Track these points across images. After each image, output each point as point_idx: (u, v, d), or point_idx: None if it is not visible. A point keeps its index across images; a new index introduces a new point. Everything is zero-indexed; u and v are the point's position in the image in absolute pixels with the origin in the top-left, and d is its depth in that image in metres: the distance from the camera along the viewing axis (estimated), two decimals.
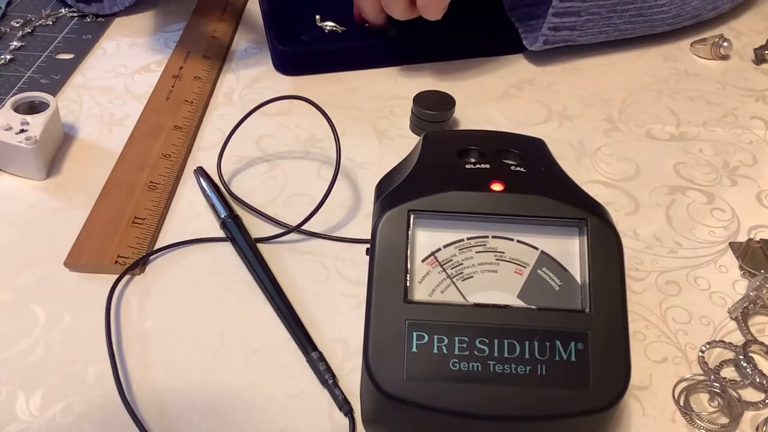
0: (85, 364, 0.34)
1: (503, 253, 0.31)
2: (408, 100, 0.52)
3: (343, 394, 0.33)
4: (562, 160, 0.48)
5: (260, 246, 0.40)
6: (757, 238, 0.42)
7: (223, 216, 0.41)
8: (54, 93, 0.51)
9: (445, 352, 0.29)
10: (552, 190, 0.32)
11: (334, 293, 0.38)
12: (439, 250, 0.31)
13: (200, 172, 0.44)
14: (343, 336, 0.36)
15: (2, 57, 0.54)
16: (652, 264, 0.41)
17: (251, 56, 0.57)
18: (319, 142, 0.48)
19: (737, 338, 0.37)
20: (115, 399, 0.33)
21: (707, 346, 0.36)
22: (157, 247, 0.40)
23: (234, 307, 0.37)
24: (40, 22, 0.59)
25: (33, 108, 0.45)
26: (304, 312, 0.37)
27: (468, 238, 0.31)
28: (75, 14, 0.60)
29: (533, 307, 0.30)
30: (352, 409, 0.33)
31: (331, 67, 0.55)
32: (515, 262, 0.31)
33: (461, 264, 0.30)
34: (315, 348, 0.35)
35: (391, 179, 0.35)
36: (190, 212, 0.43)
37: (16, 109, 0.45)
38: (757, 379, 0.34)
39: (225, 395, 0.33)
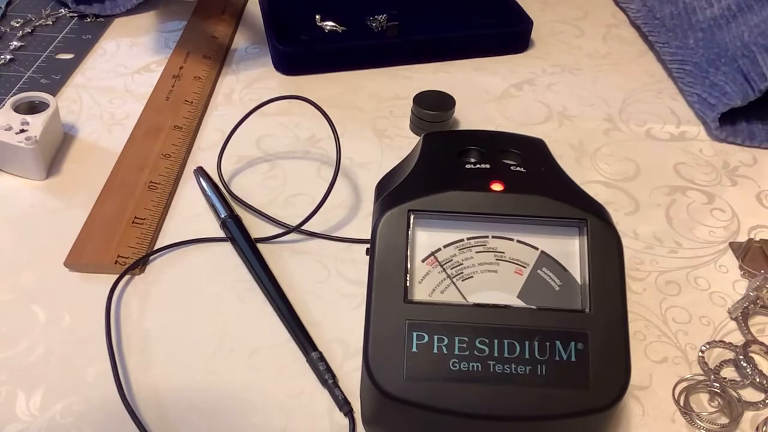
0: (85, 364, 0.34)
1: (503, 253, 0.31)
2: (408, 100, 0.52)
3: (343, 394, 0.33)
4: (562, 160, 0.48)
5: (260, 246, 0.40)
6: (757, 238, 0.42)
7: (223, 216, 0.41)
8: (54, 93, 0.51)
9: (445, 352, 0.29)
10: (552, 190, 0.32)
11: (334, 293, 0.38)
12: (439, 250, 0.31)
13: (200, 172, 0.44)
14: (343, 336, 0.36)
15: (2, 57, 0.54)
16: (652, 264, 0.41)
17: (251, 56, 0.57)
18: (319, 142, 0.48)
19: (737, 338, 0.37)
20: (115, 399, 0.33)
21: (707, 346, 0.36)
22: (157, 247, 0.40)
23: (234, 307, 0.37)
24: (40, 22, 0.59)
25: (33, 108, 0.45)
26: (304, 312, 0.37)
27: (468, 238, 0.31)
28: (75, 14, 0.60)
29: (533, 307, 0.30)
30: (352, 409, 0.33)
31: (331, 67, 0.55)
32: (515, 262, 0.31)
33: (461, 264, 0.30)
34: (315, 348, 0.35)
35: (391, 179, 0.35)
36: (190, 212, 0.43)
37: (16, 109, 0.45)
38: (757, 379, 0.34)
39: (225, 395, 0.33)
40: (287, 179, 0.45)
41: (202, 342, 0.36)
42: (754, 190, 0.46)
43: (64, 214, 0.42)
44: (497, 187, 0.31)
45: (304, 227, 0.41)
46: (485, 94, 0.54)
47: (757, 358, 0.36)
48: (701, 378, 0.35)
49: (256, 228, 0.42)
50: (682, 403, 0.34)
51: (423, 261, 0.30)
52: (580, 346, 0.29)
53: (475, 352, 0.29)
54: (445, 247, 0.31)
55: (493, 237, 0.31)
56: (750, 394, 0.34)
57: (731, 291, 0.39)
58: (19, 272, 0.39)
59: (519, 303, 0.30)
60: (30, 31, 0.58)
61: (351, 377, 0.34)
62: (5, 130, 0.43)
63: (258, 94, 0.53)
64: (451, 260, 0.31)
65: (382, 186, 0.35)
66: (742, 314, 0.37)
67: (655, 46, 0.57)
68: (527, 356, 0.29)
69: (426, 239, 0.31)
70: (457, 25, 0.58)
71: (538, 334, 0.29)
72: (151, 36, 0.59)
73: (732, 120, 0.49)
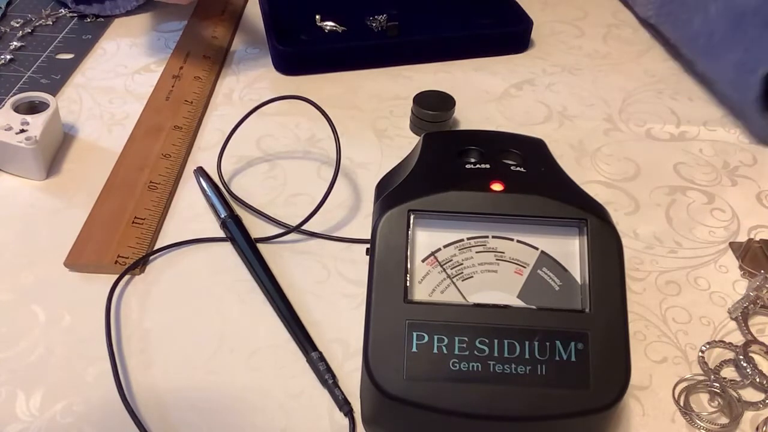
0: (85, 364, 0.34)
1: (503, 253, 0.31)
2: (408, 100, 0.52)
3: (343, 394, 0.33)
4: (562, 160, 0.48)
5: (260, 246, 0.40)
6: (757, 238, 0.42)
7: (223, 216, 0.41)
8: (54, 93, 0.51)
9: (445, 352, 0.29)
10: (552, 190, 0.32)
11: (334, 293, 0.38)
12: (439, 250, 0.31)
13: (200, 172, 0.44)
14: (343, 336, 0.36)
15: (2, 57, 0.54)
16: (652, 264, 0.41)
17: (251, 56, 0.57)
18: (319, 142, 0.48)
19: (737, 338, 0.37)
20: (115, 399, 0.33)
21: (707, 346, 0.36)
22: (157, 247, 0.40)
23: (234, 307, 0.37)
24: (40, 22, 0.59)
25: (33, 108, 0.45)
26: (304, 312, 0.37)
27: (468, 238, 0.31)
28: (75, 14, 0.60)
29: (533, 307, 0.30)
30: (352, 409, 0.33)
31: (331, 67, 0.55)
32: (515, 262, 0.31)
33: (461, 264, 0.30)
34: (315, 348, 0.35)
35: (391, 179, 0.35)
36: (190, 212, 0.43)
37: (16, 109, 0.45)
38: (757, 379, 0.34)
39: (225, 395, 0.33)
40: (287, 179, 0.45)
41: (202, 342, 0.36)
42: (754, 190, 0.46)
43: (64, 214, 0.42)
44: (497, 187, 0.31)
45: (304, 227, 0.41)
46: (485, 94, 0.54)
47: (757, 358, 0.36)
48: (701, 378, 0.35)
49: (256, 228, 0.42)
50: (682, 403, 0.34)
51: (423, 261, 0.30)
52: (580, 346, 0.29)
53: (475, 352, 0.29)
54: (445, 247, 0.31)
55: (493, 237, 0.31)
56: (750, 394, 0.34)
57: (731, 291, 0.39)
58: (19, 272, 0.39)
59: (519, 303, 0.30)
60: (30, 31, 0.58)
61: (351, 377, 0.34)
62: (5, 130, 0.43)
63: (258, 94, 0.53)
64: (451, 260, 0.31)
65: (382, 186, 0.35)
66: (742, 314, 0.37)
67: (673, 29, 0.54)
68: (527, 356, 0.29)
69: (426, 239, 0.31)
70: (457, 25, 0.58)
71: (538, 334, 0.29)
72: (151, 36, 0.59)
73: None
